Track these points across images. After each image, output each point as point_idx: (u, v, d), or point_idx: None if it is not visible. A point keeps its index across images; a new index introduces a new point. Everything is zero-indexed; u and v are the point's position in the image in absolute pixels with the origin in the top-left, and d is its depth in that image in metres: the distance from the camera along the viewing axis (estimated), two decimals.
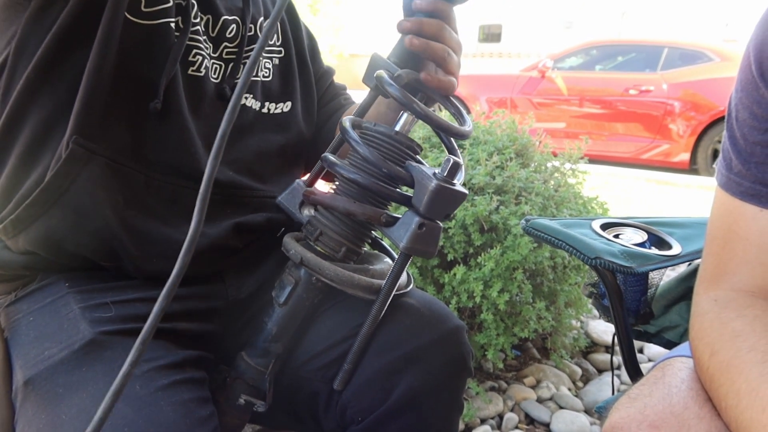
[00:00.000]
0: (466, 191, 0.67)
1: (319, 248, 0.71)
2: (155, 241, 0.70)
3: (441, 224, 0.67)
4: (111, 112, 0.66)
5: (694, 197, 4.60)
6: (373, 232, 0.75)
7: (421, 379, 0.73)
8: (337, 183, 0.73)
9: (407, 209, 0.67)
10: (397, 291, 0.72)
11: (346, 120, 0.70)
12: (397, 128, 0.70)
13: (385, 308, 0.69)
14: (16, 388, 0.64)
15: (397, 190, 0.69)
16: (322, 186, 0.81)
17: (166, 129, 0.70)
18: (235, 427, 0.77)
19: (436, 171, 0.65)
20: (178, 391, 0.62)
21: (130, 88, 0.67)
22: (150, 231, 0.70)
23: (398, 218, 0.67)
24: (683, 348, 0.69)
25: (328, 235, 0.71)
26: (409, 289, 0.78)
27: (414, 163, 0.68)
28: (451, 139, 0.74)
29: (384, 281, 0.69)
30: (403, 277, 0.77)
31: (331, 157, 0.70)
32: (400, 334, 0.74)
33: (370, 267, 0.74)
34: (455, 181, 0.65)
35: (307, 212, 0.75)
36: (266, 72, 0.84)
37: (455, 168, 0.64)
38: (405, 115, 0.71)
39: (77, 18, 0.63)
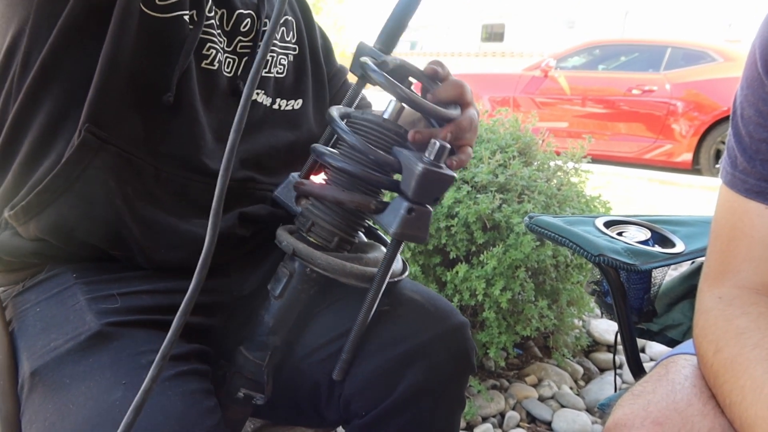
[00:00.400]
0: (454, 174, 0.66)
1: (311, 239, 0.71)
2: (163, 232, 0.70)
3: (431, 208, 0.66)
4: (124, 103, 0.66)
5: (697, 197, 4.60)
6: (367, 221, 0.75)
7: (424, 375, 0.73)
8: (328, 173, 0.73)
9: (397, 195, 0.66)
10: (392, 278, 0.71)
11: (334, 109, 0.70)
12: (386, 116, 0.70)
13: (380, 296, 0.69)
14: (22, 380, 0.64)
15: (388, 177, 0.68)
16: (318, 178, 0.80)
17: (178, 122, 0.70)
18: (236, 421, 0.77)
19: (424, 155, 0.64)
20: (185, 381, 0.63)
21: (143, 79, 0.67)
22: (158, 221, 0.70)
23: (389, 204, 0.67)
24: (687, 345, 0.69)
25: (320, 225, 0.70)
26: (404, 276, 0.78)
27: (401, 149, 0.67)
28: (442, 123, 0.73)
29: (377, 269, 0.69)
30: (399, 264, 0.77)
31: (320, 147, 0.69)
32: (404, 330, 0.74)
33: (364, 255, 0.74)
34: (442, 164, 0.65)
35: (304, 204, 0.75)
36: (281, 68, 0.84)
37: (441, 151, 0.63)
38: (393, 102, 0.70)
39: (89, 6, 0.63)
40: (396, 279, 0.76)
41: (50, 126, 0.66)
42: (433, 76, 0.72)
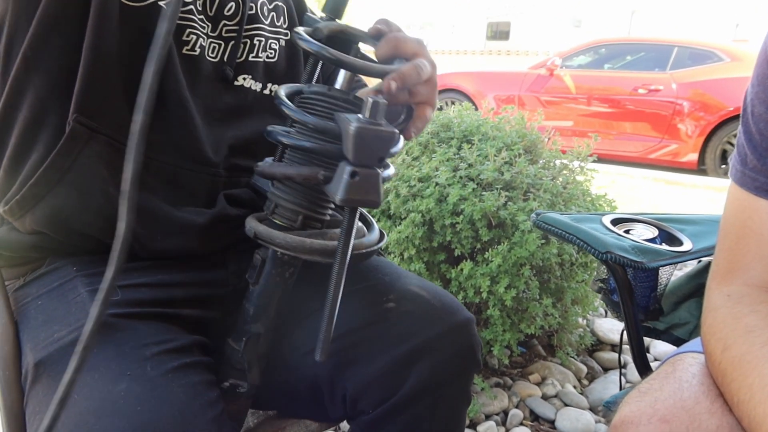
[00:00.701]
0: (395, 130, 0.61)
1: (276, 221, 0.69)
2: (158, 220, 0.70)
3: (379, 171, 0.62)
4: (110, 92, 0.66)
5: (702, 197, 4.58)
6: None
7: (430, 371, 0.73)
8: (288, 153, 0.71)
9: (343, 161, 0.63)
10: (364, 249, 0.69)
11: (282, 87, 0.68)
12: (338, 85, 0.68)
13: (345, 268, 0.64)
14: (26, 370, 0.64)
15: (339, 146, 0.64)
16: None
17: (165, 109, 0.70)
18: (235, 413, 0.77)
19: (359, 115, 0.60)
20: (188, 373, 0.63)
21: (127, 68, 0.67)
22: (152, 209, 0.70)
23: None
24: (694, 344, 0.69)
25: (282, 206, 0.69)
26: (380, 245, 0.74)
27: (341, 113, 0.63)
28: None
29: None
30: (374, 235, 0.74)
31: (269, 127, 0.68)
32: (410, 327, 0.74)
33: (330, 231, 0.71)
34: (381, 121, 0.60)
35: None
36: (271, 53, 0.84)
37: (376, 107, 0.59)
38: (343, 71, 0.68)
39: None
40: (368, 250, 0.71)
41: (35, 118, 0.66)
42: (378, 37, 0.68)
